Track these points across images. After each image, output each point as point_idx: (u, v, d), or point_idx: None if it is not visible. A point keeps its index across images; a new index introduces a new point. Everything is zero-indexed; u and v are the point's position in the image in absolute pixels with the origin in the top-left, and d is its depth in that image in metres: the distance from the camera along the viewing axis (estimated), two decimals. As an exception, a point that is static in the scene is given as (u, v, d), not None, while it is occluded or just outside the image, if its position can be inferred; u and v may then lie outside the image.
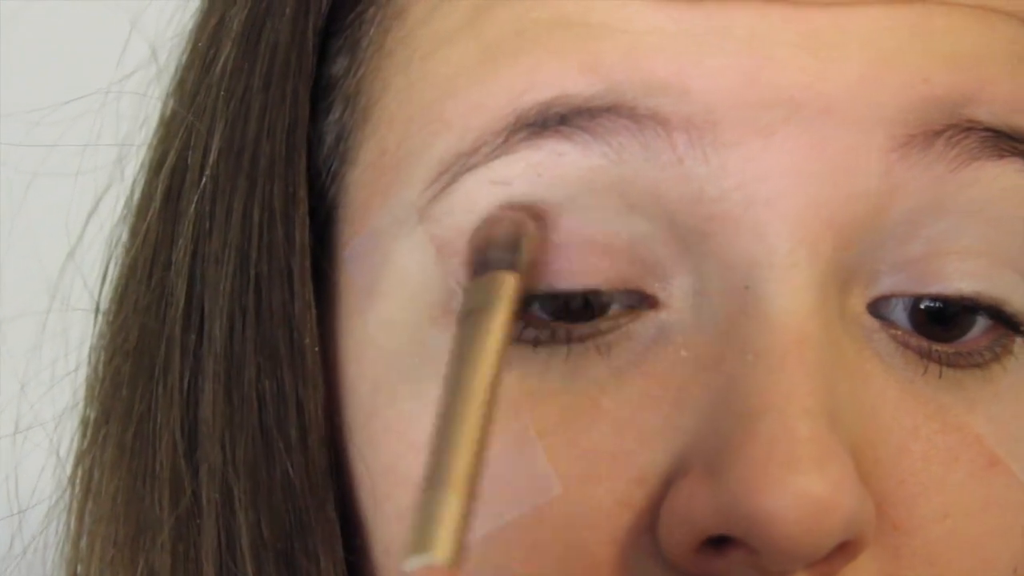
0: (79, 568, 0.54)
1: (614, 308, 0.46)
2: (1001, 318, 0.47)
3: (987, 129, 0.45)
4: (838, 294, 0.45)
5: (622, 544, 0.44)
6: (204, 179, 0.50)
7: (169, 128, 0.53)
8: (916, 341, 0.46)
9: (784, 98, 0.44)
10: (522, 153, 0.45)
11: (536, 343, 0.46)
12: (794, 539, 0.42)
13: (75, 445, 0.54)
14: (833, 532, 0.42)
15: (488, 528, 0.45)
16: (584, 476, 0.45)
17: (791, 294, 0.44)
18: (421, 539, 0.39)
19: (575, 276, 0.45)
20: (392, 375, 0.47)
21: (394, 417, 0.47)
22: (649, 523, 0.44)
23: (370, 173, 0.49)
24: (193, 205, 0.51)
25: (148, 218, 0.52)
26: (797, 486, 0.42)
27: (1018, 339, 0.47)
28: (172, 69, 0.54)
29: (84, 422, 0.54)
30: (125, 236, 0.54)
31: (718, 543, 0.43)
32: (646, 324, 0.46)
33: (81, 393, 0.54)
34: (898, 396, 0.45)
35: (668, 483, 0.44)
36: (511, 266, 0.44)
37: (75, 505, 0.54)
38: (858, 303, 0.46)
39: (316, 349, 0.49)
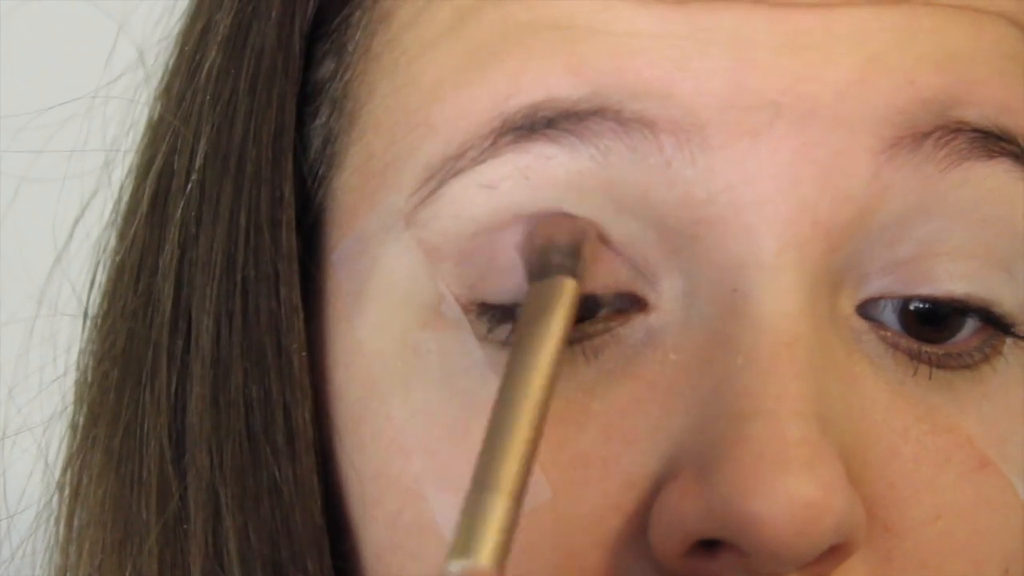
0: (67, 573, 0.54)
1: (603, 311, 0.46)
2: (991, 319, 0.46)
3: (976, 130, 0.45)
4: (827, 296, 0.45)
5: (612, 548, 0.44)
6: (191, 184, 0.50)
7: (156, 132, 0.53)
8: (906, 342, 0.46)
9: (767, 101, 0.44)
10: (509, 156, 0.45)
11: None
12: (785, 542, 0.42)
13: (63, 450, 0.54)
14: (824, 535, 0.42)
15: None
16: (574, 480, 0.45)
17: (780, 296, 0.44)
18: (466, 543, 0.39)
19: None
20: (381, 379, 0.47)
21: (383, 422, 0.47)
22: (639, 527, 0.44)
23: (357, 178, 0.49)
24: (180, 210, 0.50)
25: (135, 223, 0.52)
26: (788, 489, 0.42)
27: (1008, 340, 0.47)
28: (159, 73, 0.54)
29: (72, 427, 0.54)
30: (113, 241, 0.54)
31: (709, 546, 0.43)
32: (635, 327, 0.45)
33: (69, 398, 0.54)
34: (888, 398, 0.45)
35: (658, 486, 0.44)
36: (571, 272, 0.44)
37: (63, 510, 0.54)
38: (847, 305, 0.46)
39: (304, 354, 0.49)
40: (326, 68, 0.50)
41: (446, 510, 0.45)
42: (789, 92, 0.44)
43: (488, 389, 0.45)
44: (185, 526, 0.49)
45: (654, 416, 0.45)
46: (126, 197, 0.54)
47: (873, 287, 0.46)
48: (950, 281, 0.46)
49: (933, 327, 0.46)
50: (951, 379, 0.46)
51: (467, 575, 0.38)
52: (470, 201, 0.45)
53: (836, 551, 0.43)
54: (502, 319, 0.46)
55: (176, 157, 0.51)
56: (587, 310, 0.46)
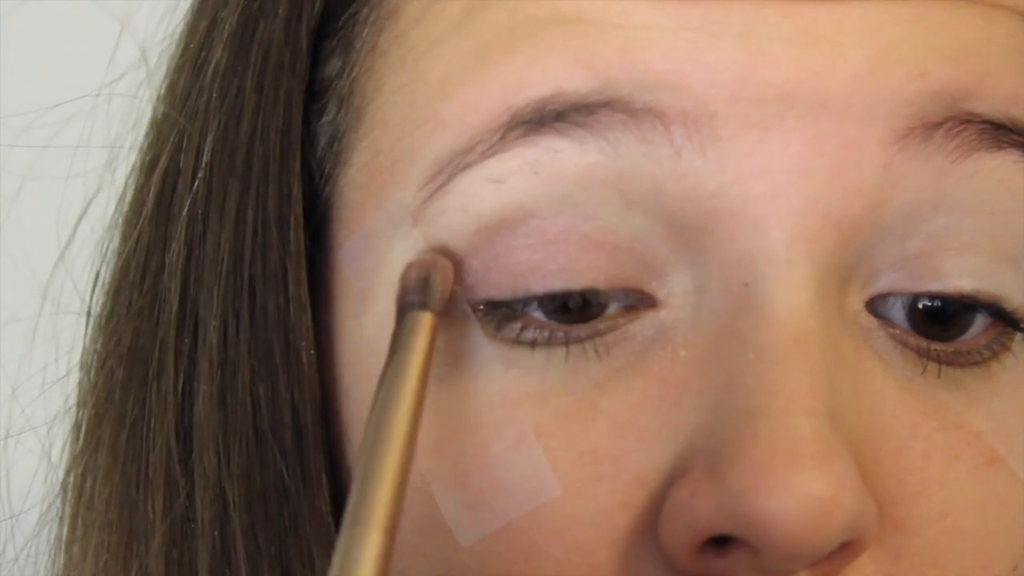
0: (72, 574, 0.53)
1: (613, 308, 0.46)
2: (1001, 315, 0.46)
3: (985, 121, 0.45)
4: (837, 292, 0.45)
5: (622, 545, 0.44)
6: (197, 182, 0.50)
7: (160, 131, 0.53)
8: (915, 340, 0.46)
9: (778, 93, 0.44)
10: (518, 150, 0.45)
11: (534, 344, 0.45)
12: (796, 539, 0.42)
13: (68, 450, 0.54)
14: (835, 532, 0.42)
15: (488, 529, 0.45)
16: (584, 477, 0.45)
17: (791, 291, 0.44)
18: None
19: (573, 275, 0.45)
20: (388, 377, 0.47)
21: (390, 419, 0.47)
22: (649, 524, 0.44)
23: (364, 174, 0.49)
24: (186, 208, 0.50)
25: (140, 221, 0.52)
26: (800, 486, 0.42)
27: (1017, 336, 0.47)
28: (163, 71, 0.54)
29: (77, 426, 0.54)
30: (117, 239, 0.54)
31: (719, 543, 0.43)
32: (645, 324, 0.45)
33: (73, 398, 0.54)
34: (897, 395, 0.45)
35: (668, 483, 0.44)
36: (422, 305, 0.45)
37: (68, 510, 0.54)
38: (856, 301, 0.46)
39: (311, 352, 0.49)
40: (333, 65, 0.50)
41: (454, 507, 0.45)
42: (800, 84, 0.44)
43: (496, 386, 0.45)
44: (192, 525, 0.49)
45: (664, 413, 0.44)
46: (130, 195, 0.54)
47: (882, 283, 0.46)
48: (959, 277, 0.46)
49: (942, 325, 0.46)
50: (960, 376, 0.46)
51: None
52: (478, 195, 0.45)
53: (847, 548, 0.43)
54: (510, 317, 0.46)
55: (182, 155, 0.51)
56: (597, 307, 0.45)
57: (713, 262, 0.45)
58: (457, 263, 0.46)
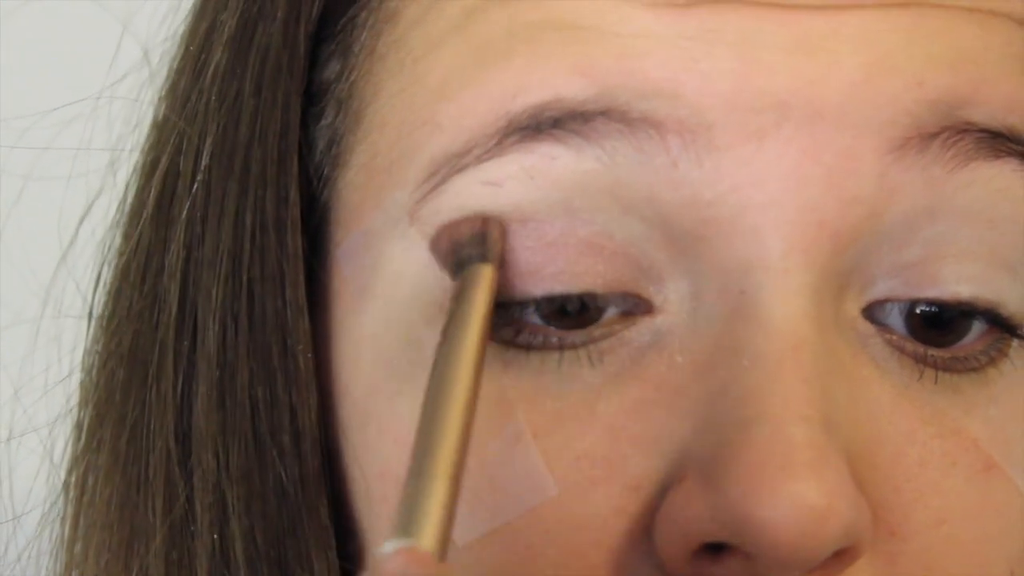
0: (74, 574, 0.54)
1: (610, 312, 0.46)
2: (998, 321, 0.46)
3: (983, 130, 0.45)
4: (833, 299, 0.45)
5: (617, 550, 0.44)
6: (196, 184, 0.50)
7: (161, 132, 0.53)
8: (911, 346, 0.46)
9: (774, 102, 0.44)
10: (514, 156, 0.45)
11: (529, 348, 0.45)
12: (790, 546, 0.42)
13: (69, 451, 0.54)
14: (830, 539, 0.42)
15: (484, 529, 0.45)
16: (579, 481, 0.45)
17: (787, 299, 0.44)
18: (406, 525, 0.39)
19: (572, 278, 0.45)
20: (387, 377, 0.47)
21: (389, 419, 0.47)
22: (644, 529, 0.44)
23: (362, 176, 0.49)
24: (185, 210, 0.50)
25: (141, 223, 0.52)
26: (793, 493, 0.42)
27: (1014, 342, 0.47)
28: (164, 73, 0.54)
29: (78, 427, 0.54)
30: (118, 241, 0.54)
31: (714, 550, 0.43)
32: (641, 330, 0.45)
33: (75, 399, 0.54)
34: (894, 401, 0.45)
35: (663, 489, 0.44)
36: (482, 258, 0.45)
37: (69, 511, 0.54)
38: (853, 308, 0.46)
39: (309, 355, 0.49)
40: (331, 69, 0.50)
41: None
42: (796, 94, 0.44)
43: (493, 386, 0.45)
44: (192, 527, 0.49)
45: (660, 418, 0.45)
46: (131, 197, 0.54)
47: (879, 289, 0.46)
48: (956, 283, 0.46)
49: (939, 331, 0.46)
50: (957, 382, 0.46)
51: (407, 555, 0.38)
52: (473, 196, 0.45)
53: (842, 555, 0.43)
54: (507, 320, 0.46)
55: (181, 157, 0.51)
56: (595, 311, 0.46)
57: (709, 270, 0.45)
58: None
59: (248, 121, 0.50)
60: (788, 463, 0.42)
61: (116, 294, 0.53)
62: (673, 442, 0.44)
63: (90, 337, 0.54)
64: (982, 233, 0.46)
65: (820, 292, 0.44)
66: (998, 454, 0.46)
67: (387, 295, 0.47)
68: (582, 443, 0.45)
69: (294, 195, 0.49)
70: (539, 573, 0.45)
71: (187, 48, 0.52)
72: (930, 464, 0.45)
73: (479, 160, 0.45)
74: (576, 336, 0.45)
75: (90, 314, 0.54)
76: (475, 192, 0.45)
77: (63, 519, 0.54)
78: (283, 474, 0.48)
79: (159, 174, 0.52)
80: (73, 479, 0.54)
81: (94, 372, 0.53)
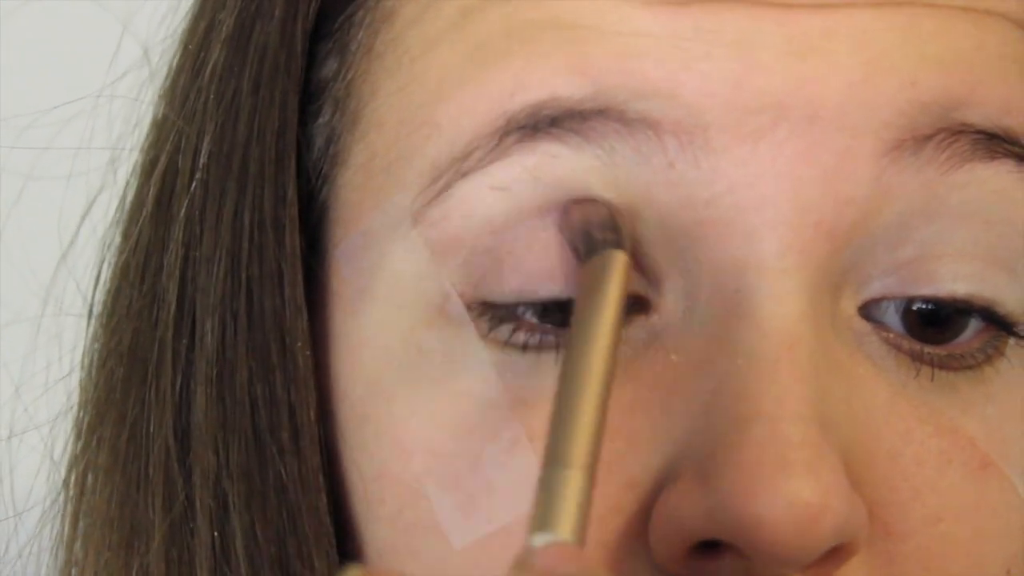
0: (74, 572, 0.54)
1: None
2: (994, 319, 0.46)
3: (979, 132, 0.45)
4: (829, 298, 0.45)
5: (613, 548, 0.44)
6: (194, 183, 0.50)
7: (160, 131, 0.53)
8: (908, 344, 0.46)
9: (771, 103, 0.44)
10: (516, 157, 0.45)
11: (525, 347, 0.46)
12: (785, 544, 0.42)
13: (69, 449, 0.54)
14: (824, 537, 0.42)
15: (482, 532, 0.45)
16: None
17: (782, 299, 0.44)
18: (545, 517, 0.40)
19: (568, 278, 0.45)
20: (385, 378, 0.47)
21: (386, 420, 0.47)
22: (640, 528, 0.44)
23: (361, 175, 0.49)
24: (184, 209, 0.50)
25: (140, 222, 0.52)
26: (788, 491, 0.42)
27: (1010, 340, 0.47)
28: (163, 72, 0.54)
29: (78, 425, 0.54)
30: (117, 240, 0.54)
31: (709, 547, 0.43)
32: (637, 329, 0.45)
33: (75, 397, 0.54)
34: (890, 399, 0.45)
35: (659, 487, 0.44)
36: (617, 244, 0.45)
37: (69, 509, 0.54)
38: (849, 306, 0.46)
39: (308, 353, 0.49)
40: (329, 67, 0.50)
41: (447, 509, 0.45)
42: (794, 94, 0.44)
43: (489, 389, 0.45)
44: (191, 525, 0.49)
45: (655, 417, 0.45)
46: (130, 196, 0.54)
47: (875, 288, 0.46)
48: (953, 281, 0.46)
49: (936, 328, 0.46)
50: (954, 380, 0.46)
51: (550, 548, 0.39)
52: (482, 202, 0.45)
53: (837, 553, 0.43)
54: (504, 319, 0.46)
55: (180, 156, 0.51)
56: None
57: (705, 269, 0.45)
58: (458, 265, 0.46)
59: (246, 119, 0.50)
60: (783, 461, 0.42)
61: (115, 292, 0.53)
62: (669, 441, 0.44)
63: (89, 335, 0.54)
64: (978, 234, 0.46)
65: (816, 291, 0.44)
66: (995, 452, 0.46)
67: (387, 297, 0.47)
68: None
69: (292, 194, 0.49)
70: (536, 572, 0.45)
71: (186, 47, 0.53)
72: (926, 462, 0.45)
73: (482, 163, 0.45)
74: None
75: (90, 312, 0.54)
76: (483, 197, 0.45)
77: (63, 517, 0.54)
78: (283, 471, 0.48)
79: (158, 173, 0.52)
80: (73, 477, 0.54)
81: (93, 370, 0.53)
